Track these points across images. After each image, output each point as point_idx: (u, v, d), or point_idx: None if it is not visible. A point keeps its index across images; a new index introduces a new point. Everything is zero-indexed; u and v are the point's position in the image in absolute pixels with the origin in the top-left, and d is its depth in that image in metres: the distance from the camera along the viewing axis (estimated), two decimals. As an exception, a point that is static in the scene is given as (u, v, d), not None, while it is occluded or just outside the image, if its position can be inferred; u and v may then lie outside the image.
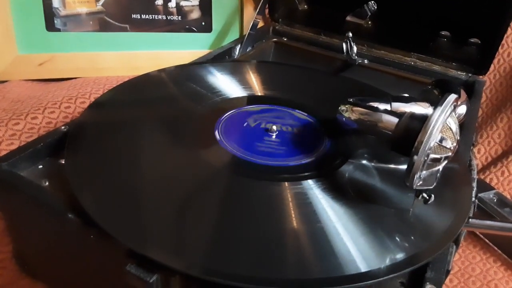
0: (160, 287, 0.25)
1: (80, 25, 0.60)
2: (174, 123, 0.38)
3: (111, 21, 0.61)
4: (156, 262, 0.25)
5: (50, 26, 0.58)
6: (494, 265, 0.44)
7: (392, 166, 0.36)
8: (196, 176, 0.33)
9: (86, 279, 0.32)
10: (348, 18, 0.61)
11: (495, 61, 0.61)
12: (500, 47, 0.57)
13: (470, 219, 0.31)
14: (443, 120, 0.29)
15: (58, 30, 0.59)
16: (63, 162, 0.34)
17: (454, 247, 0.30)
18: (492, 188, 0.50)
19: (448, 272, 0.29)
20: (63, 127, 0.36)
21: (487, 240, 0.47)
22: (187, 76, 0.46)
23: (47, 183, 0.33)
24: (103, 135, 0.36)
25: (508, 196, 0.52)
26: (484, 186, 0.50)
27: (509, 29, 0.58)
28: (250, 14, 0.65)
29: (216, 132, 0.37)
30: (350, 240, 0.27)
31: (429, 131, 0.29)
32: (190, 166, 0.34)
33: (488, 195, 0.48)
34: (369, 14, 0.60)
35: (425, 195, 0.30)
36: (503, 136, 0.58)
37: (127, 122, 0.38)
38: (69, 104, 0.51)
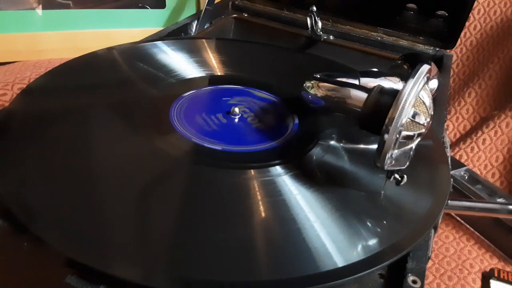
0: (107, 300, 0.22)
1: (17, 3, 0.54)
2: (121, 108, 0.34)
3: (51, -3, 0.55)
4: (101, 271, 0.21)
5: (-18, 4, 0.52)
6: (467, 244, 0.43)
7: (362, 146, 0.33)
8: (148, 168, 0.29)
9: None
10: (311, -9, 0.58)
11: (461, 34, 0.59)
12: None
13: (449, 201, 0.28)
14: (416, 93, 0.26)
15: (-8, 8, 0.52)
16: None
17: (433, 231, 0.28)
18: (463, 165, 0.49)
19: (428, 259, 0.27)
20: (-9, 117, 0.31)
21: (458, 218, 0.46)
22: (138, 55, 0.42)
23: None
24: (38, 125, 0.31)
25: (478, 172, 0.51)
26: (454, 163, 0.49)
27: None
28: (207, -12, 0.60)
29: (173, 117, 0.33)
30: (324, 232, 0.25)
31: (401, 106, 0.26)
32: (142, 157, 0.30)
33: (459, 172, 0.47)
34: (333, -14, 0.57)
35: (397, 176, 0.28)
36: (471, 112, 0.57)
37: (67, 109, 0.33)
38: (5, 91, 0.45)
